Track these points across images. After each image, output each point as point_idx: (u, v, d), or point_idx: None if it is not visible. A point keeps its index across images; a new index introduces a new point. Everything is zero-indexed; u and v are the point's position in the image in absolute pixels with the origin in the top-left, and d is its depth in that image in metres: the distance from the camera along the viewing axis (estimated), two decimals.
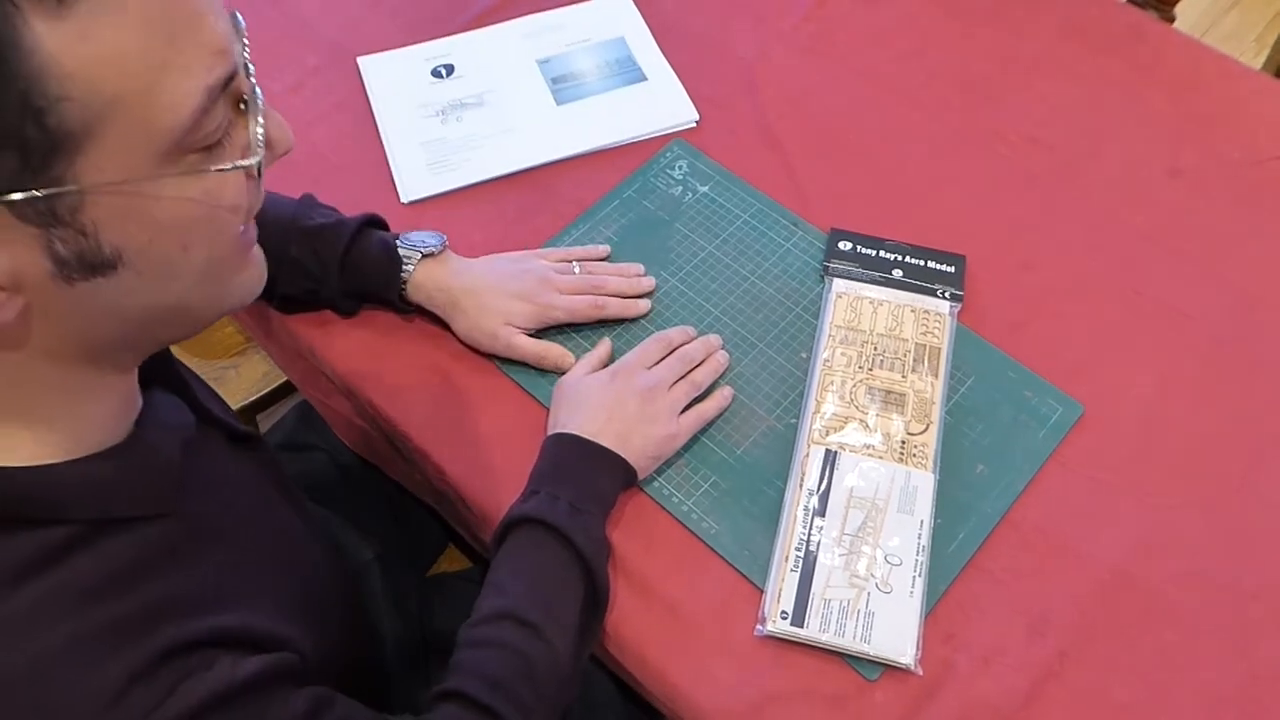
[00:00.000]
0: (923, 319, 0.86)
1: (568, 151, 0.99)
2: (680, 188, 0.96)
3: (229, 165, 0.46)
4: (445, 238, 0.84)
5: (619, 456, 0.74)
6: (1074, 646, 0.72)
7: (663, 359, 0.82)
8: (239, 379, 1.31)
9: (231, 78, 0.45)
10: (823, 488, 0.77)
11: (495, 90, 1.05)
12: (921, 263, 0.90)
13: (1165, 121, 1.01)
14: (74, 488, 0.49)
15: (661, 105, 1.02)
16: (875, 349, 0.85)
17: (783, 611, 0.72)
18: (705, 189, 0.96)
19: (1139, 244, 0.92)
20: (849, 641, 0.71)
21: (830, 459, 0.78)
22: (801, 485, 0.77)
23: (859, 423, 0.80)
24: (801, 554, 0.74)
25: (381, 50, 1.08)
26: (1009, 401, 0.83)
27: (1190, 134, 1.00)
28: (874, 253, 0.90)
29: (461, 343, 0.85)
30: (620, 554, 0.76)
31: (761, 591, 0.74)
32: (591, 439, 0.75)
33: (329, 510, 0.95)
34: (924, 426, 0.81)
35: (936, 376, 0.83)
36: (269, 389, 1.30)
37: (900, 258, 0.90)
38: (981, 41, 1.08)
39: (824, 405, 0.81)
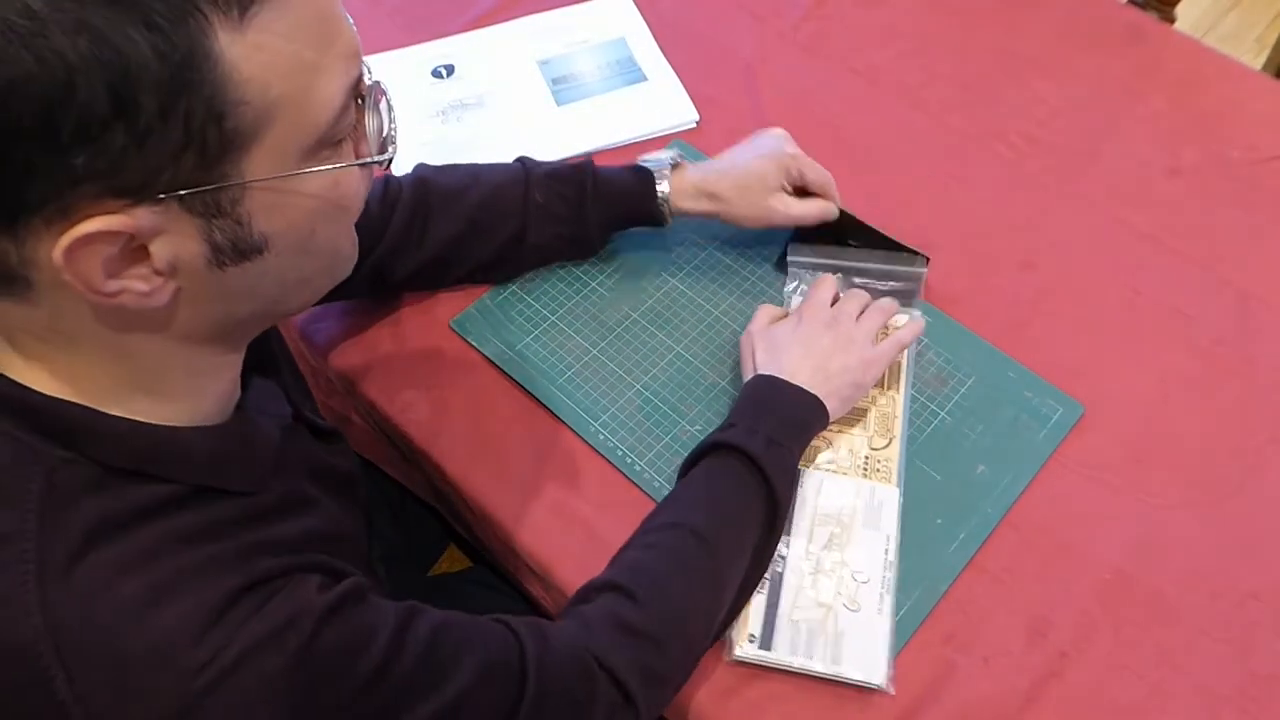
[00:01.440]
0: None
1: (569, 152, 0.99)
2: None
3: (361, 160, 0.51)
4: (677, 150, 0.88)
5: (812, 396, 0.75)
6: (1074, 646, 0.72)
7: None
8: None
9: (360, 78, 0.50)
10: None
11: (496, 91, 1.05)
12: (882, 266, 0.88)
13: (1165, 121, 1.01)
14: (186, 452, 0.52)
15: (662, 106, 1.02)
16: None
17: (750, 635, 0.71)
18: None
19: (1139, 244, 0.92)
20: (818, 664, 0.70)
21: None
22: None
23: (821, 439, 0.80)
24: (768, 575, 0.73)
25: (382, 50, 1.08)
26: (1009, 401, 0.83)
27: (1190, 134, 1.00)
28: (832, 262, 0.88)
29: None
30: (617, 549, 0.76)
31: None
32: (788, 378, 0.76)
33: None
34: (886, 441, 0.80)
35: (898, 390, 0.83)
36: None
37: (860, 264, 0.88)
38: (981, 41, 1.08)
39: None
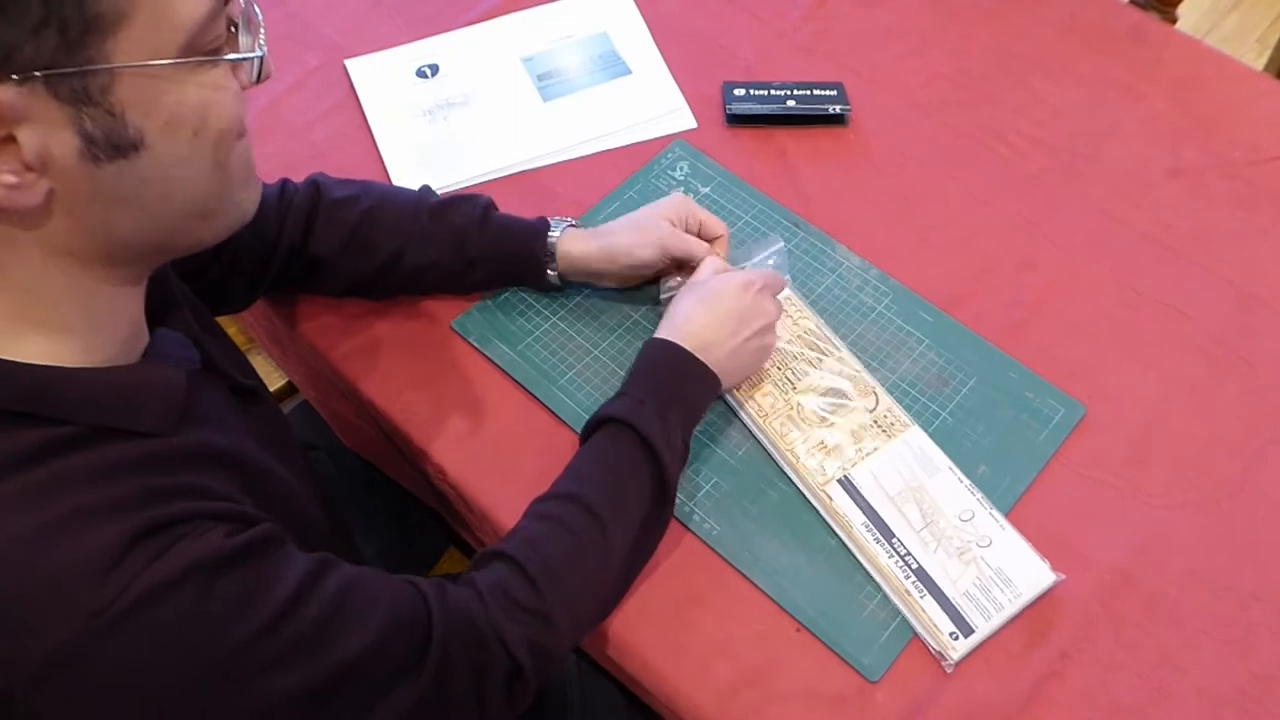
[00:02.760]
0: (784, 310, 0.85)
1: (558, 147, 0.98)
2: (682, 189, 0.96)
3: (230, 56, 0.51)
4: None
5: (708, 369, 0.76)
6: (1074, 646, 0.72)
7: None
8: None
9: None
10: (868, 513, 0.76)
11: (481, 89, 1.05)
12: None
13: (1165, 121, 1.01)
14: (81, 391, 0.51)
15: (649, 98, 1.02)
16: (780, 371, 0.83)
17: (951, 634, 0.71)
18: (706, 190, 0.96)
19: (1139, 244, 0.92)
20: (1010, 608, 0.72)
21: (849, 487, 0.77)
22: (851, 529, 0.75)
23: (830, 435, 0.80)
24: (911, 577, 0.73)
25: (379, 50, 1.08)
26: (1010, 402, 0.83)
27: (1190, 134, 1.00)
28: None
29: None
30: None
31: (755, 588, 0.74)
32: (689, 348, 0.76)
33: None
34: (874, 397, 0.81)
35: (838, 349, 0.83)
36: (270, 390, 1.30)
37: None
38: (981, 41, 1.08)
39: (797, 449, 0.79)
